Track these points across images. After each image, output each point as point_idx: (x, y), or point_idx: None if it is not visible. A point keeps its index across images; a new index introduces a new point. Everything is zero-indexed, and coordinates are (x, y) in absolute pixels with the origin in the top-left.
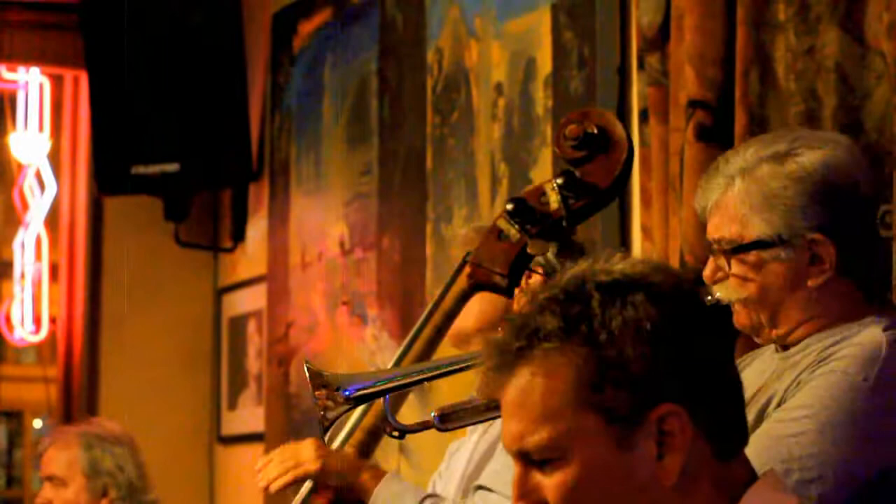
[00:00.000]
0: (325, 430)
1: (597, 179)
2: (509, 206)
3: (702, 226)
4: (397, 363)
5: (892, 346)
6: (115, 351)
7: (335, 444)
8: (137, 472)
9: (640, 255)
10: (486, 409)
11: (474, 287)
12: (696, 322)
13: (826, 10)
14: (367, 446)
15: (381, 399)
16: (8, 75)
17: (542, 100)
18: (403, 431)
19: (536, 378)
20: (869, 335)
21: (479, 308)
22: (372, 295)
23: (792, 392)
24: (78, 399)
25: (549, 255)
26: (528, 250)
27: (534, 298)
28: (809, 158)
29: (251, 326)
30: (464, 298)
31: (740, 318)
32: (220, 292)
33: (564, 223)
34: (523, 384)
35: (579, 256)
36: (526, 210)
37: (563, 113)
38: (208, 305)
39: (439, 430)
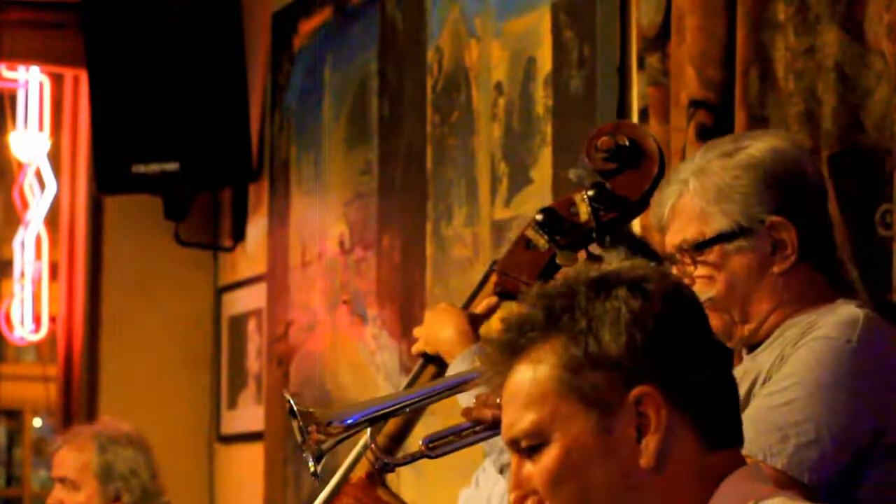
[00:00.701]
0: (318, 459)
1: (627, 192)
2: (539, 217)
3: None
4: (418, 372)
5: (868, 315)
6: (114, 350)
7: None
8: (150, 475)
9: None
10: (474, 433)
11: (500, 296)
12: (680, 312)
13: (826, 10)
14: (390, 450)
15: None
16: (8, 74)
17: (542, 99)
18: (393, 465)
19: (524, 367)
20: (845, 310)
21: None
22: (372, 294)
23: (777, 368)
24: (78, 398)
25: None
26: (558, 261)
27: (528, 297)
28: (757, 147)
29: (251, 325)
30: (493, 310)
31: (713, 323)
32: (220, 291)
33: (594, 235)
34: (514, 377)
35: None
36: (555, 220)
37: (564, 112)
38: (208, 304)
39: (430, 457)
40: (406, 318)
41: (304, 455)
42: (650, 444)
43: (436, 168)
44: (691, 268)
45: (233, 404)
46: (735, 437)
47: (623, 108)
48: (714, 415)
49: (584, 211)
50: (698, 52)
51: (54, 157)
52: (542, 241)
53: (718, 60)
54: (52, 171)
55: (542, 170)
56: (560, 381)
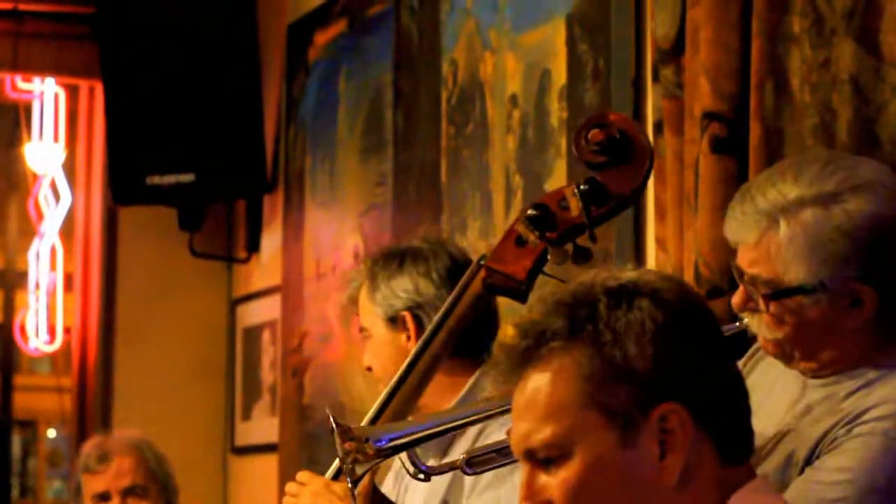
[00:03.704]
0: (355, 484)
1: (618, 186)
2: (530, 212)
3: (721, 240)
4: (409, 367)
5: None
6: (129, 361)
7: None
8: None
9: (655, 267)
10: None
11: (489, 291)
12: (700, 327)
13: (841, 23)
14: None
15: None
16: (23, 85)
17: (556, 112)
18: (429, 474)
19: (543, 377)
20: None
21: None
22: None
23: (827, 447)
24: (92, 409)
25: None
26: (549, 257)
27: (543, 302)
28: (857, 207)
29: (265, 337)
30: (478, 302)
31: (770, 349)
32: (235, 303)
33: (586, 230)
34: (531, 384)
35: (589, 262)
36: (546, 216)
37: (579, 125)
38: (222, 316)
39: (466, 473)
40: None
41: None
42: (675, 462)
43: (450, 180)
44: (762, 304)
45: (247, 416)
46: (747, 449)
47: (637, 121)
48: (732, 430)
49: (574, 206)
50: (713, 65)
51: (69, 168)
52: (532, 237)
53: (733, 73)
54: (67, 182)
55: (557, 182)
56: (583, 393)
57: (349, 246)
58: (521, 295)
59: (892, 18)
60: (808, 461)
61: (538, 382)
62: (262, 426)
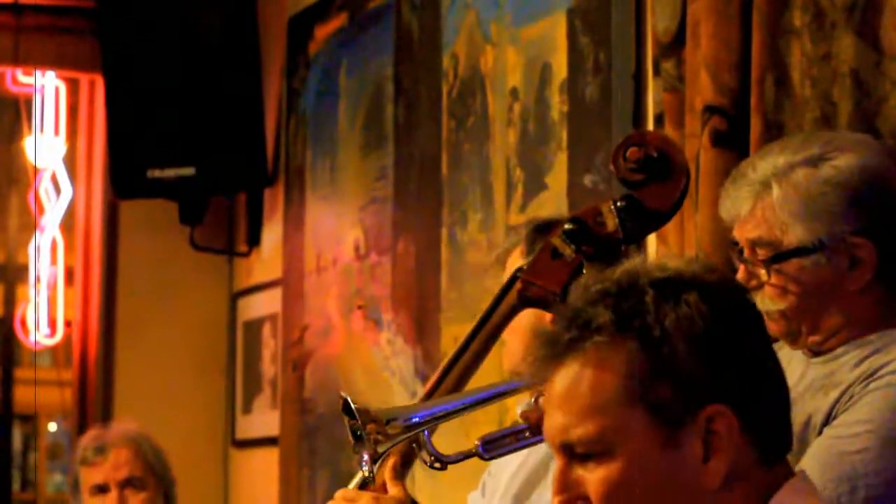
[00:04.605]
0: (375, 460)
1: (655, 203)
2: (568, 226)
3: (721, 233)
4: (444, 374)
5: None
6: (130, 354)
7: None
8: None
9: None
10: (531, 434)
11: (524, 303)
12: (747, 323)
13: (841, 17)
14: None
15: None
16: (24, 79)
17: (557, 105)
18: (445, 462)
19: (586, 370)
20: None
21: (518, 343)
22: (387, 299)
23: (843, 406)
24: (93, 402)
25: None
26: (584, 271)
27: (585, 291)
28: (845, 162)
29: (266, 330)
30: (513, 313)
31: (774, 327)
32: (235, 296)
33: (622, 246)
34: (571, 376)
35: None
36: (583, 230)
37: (579, 118)
38: (223, 309)
39: (483, 458)
40: (421, 323)
41: (359, 456)
42: (719, 464)
43: (451, 174)
44: (762, 273)
45: (248, 409)
46: (785, 447)
47: (638, 114)
48: (774, 431)
49: (611, 221)
50: (713, 58)
51: (70, 161)
52: (568, 251)
53: (734, 66)
54: (68, 175)
55: (558, 176)
56: (627, 391)
57: (350, 239)
58: (555, 308)
59: (893, 12)
60: (826, 423)
61: (580, 375)
62: (263, 419)
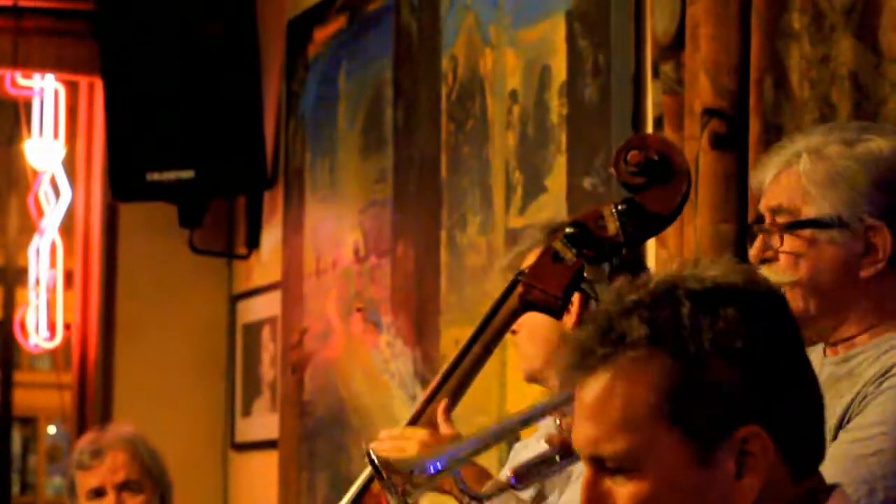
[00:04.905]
0: None
1: (657, 207)
2: (569, 230)
3: (721, 236)
4: (444, 379)
5: None
6: (129, 357)
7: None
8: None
9: (655, 265)
10: (562, 458)
11: (525, 307)
12: (786, 339)
13: (840, 19)
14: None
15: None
16: (23, 82)
17: (556, 108)
18: (481, 499)
19: (618, 384)
20: None
21: (534, 347)
22: (386, 302)
23: (858, 407)
24: (92, 405)
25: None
26: (586, 274)
27: (620, 299)
28: (880, 145)
29: (265, 333)
30: (513, 317)
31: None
32: (235, 299)
33: (623, 249)
34: (603, 387)
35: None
36: (584, 234)
37: (578, 121)
38: (223, 312)
39: (516, 489)
40: (420, 326)
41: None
42: (752, 483)
43: (450, 176)
44: (776, 240)
45: (247, 412)
46: (818, 459)
47: (638, 117)
48: (808, 446)
49: (612, 225)
50: (712, 61)
51: (69, 164)
52: (569, 254)
53: (733, 69)
54: (67, 178)
55: (557, 178)
56: (661, 408)
57: (349, 242)
58: (556, 311)
59: (892, 14)
60: (840, 427)
61: (612, 388)
62: (263, 422)
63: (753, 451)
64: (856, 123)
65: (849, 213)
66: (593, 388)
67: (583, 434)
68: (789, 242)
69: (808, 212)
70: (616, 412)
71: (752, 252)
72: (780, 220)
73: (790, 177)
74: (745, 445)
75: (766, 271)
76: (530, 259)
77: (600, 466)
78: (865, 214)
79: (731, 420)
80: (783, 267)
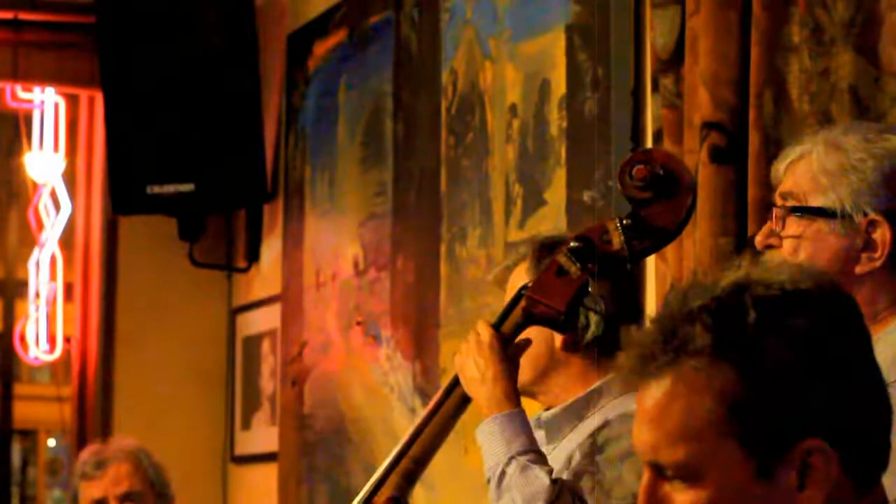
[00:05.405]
0: None
1: (662, 222)
2: (573, 244)
3: (720, 248)
4: (444, 397)
5: None
6: (129, 370)
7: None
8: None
9: (654, 279)
10: None
11: (529, 320)
12: (856, 349)
13: (840, 33)
14: (403, 490)
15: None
16: (23, 95)
17: (556, 121)
18: None
19: (679, 392)
20: None
21: (523, 362)
22: (386, 315)
23: None
24: (92, 418)
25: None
26: (590, 289)
27: (685, 302)
28: (895, 144)
29: (265, 346)
30: (518, 331)
31: None
32: (235, 312)
33: (628, 264)
34: (664, 394)
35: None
36: (589, 248)
37: (578, 134)
38: (222, 325)
39: None
40: (420, 339)
41: None
42: (814, 497)
43: (450, 189)
44: (780, 223)
45: (247, 425)
46: (883, 469)
47: (637, 130)
48: (872, 458)
49: (616, 239)
50: (712, 74)
51: (69, 177)
52: (574, 268)
53: (732, 82)
54: (67, 191)
55: (557, 192)
56: (723, 419)
57: (349, 255)
58: (560, 325)
59: (891, 28)
60: None
61: (673, 395)
62: (262, 435)
63: (816, 465)
64: (879, 124)
65: (853, 205)
66: (654, 394)
67: (642, 439)
68: (793, 227)
69: (815, 200)
70: (676, 420)
71: (758, 238)
72: (788, 204)
73: (804, 164)
74: (808, 459)
75: (768, 258)
76: (517, 273)
77: (659, 472)
78: (869, 208)
79: (794, 433)
80: (785, 252)
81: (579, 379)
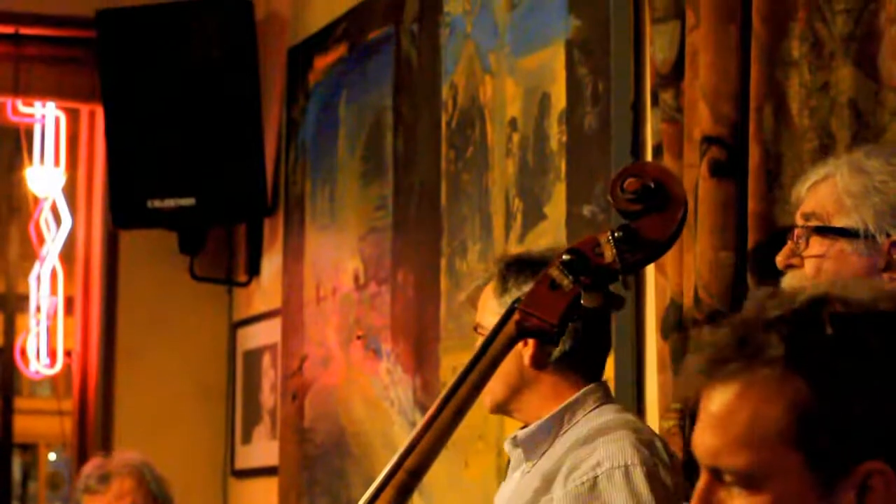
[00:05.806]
0: None
1: (653, 234)
2: (566, 257)
3: (720, 262)
4: (439, 409)
5: None
6: (129, 384)
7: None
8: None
9: (654, 292)
10: None
11: (522, 333)
12: None
13: (840, 47)
14: (399, 502)
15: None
16: (24, 109)
17: (556, 135)
18: None
19: (748, 399)
20: None
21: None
22: (386, 329)
23: None
24: (92, 432)
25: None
26: (583, 302)
27: (762, 309)
28: None
29: (266, 360)
30: (511, 344)
31: None
32: (235, 326)
33: (619, 277)
34: (732, 399)
35: (618, 307)
36: (581, 261)
37: (578, 148)
38: (223, 339)
39: None
40: (420, 353)
41: None
42: None
43: (450, 204)
44: (803, 243)
45: (247, 439)
46: None
47: (637, 145)
48: None
49: (609, 252)
50: (712, 89)
51: (70, 191)
52: (566, 281)
53: (732, 97)
54: (68, 205)
55: (557, 206)
56: (790, 431)
57: (349, 269)
58: (553, 338)
59: (891, 42)
60: None
61: (741, 401)
62: (262, 449)
63: (876, 487)
64: None
65: (876, 226)
66: (721, 398)
67: (704, 443)
68: (815, 246)
69: (839, 220)
70: (742, 427)
71: (779, 258)
72: (811, 224)
73: (828, 186)
74: (868, 480)
75: (789, 277)
76: (486, 292)
77: (717, 477)
78: (892, 229)
79: (858, 453)
80: (807, 272)
81: (552, 395)
